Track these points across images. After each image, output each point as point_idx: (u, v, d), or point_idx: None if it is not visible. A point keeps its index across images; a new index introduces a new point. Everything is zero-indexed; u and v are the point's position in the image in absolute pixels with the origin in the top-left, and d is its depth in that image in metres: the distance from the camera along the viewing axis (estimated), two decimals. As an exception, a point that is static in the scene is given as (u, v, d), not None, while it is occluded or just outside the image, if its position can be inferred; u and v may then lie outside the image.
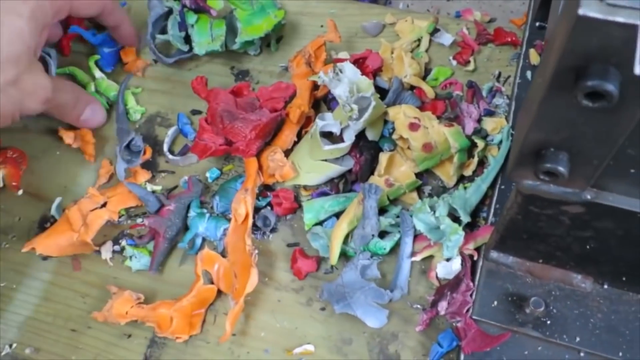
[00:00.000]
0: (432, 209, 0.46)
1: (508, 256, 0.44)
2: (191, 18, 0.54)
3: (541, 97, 0.27)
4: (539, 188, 0.33)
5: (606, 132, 0.27)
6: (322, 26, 0.59)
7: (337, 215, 0.49)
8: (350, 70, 0.49)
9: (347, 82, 0.47)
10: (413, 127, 0.47)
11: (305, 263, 0.47)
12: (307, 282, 0.48)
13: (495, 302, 0.43)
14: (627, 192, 0.33)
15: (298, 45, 0.58)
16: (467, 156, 0.49)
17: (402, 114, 0.48)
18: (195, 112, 0.56)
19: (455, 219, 0.46)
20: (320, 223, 0.49)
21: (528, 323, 0.42)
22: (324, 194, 0.50)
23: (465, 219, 0.45)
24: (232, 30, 0.56)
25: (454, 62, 0.56)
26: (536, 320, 0.42)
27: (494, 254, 0.44)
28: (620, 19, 0.21)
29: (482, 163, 0.50)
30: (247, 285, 0.44)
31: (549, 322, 0.42)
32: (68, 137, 0.54)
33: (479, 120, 0.51)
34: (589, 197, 0.33)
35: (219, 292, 0.47)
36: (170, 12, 0.56)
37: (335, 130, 0.48)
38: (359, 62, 0.52)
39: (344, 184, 0.51)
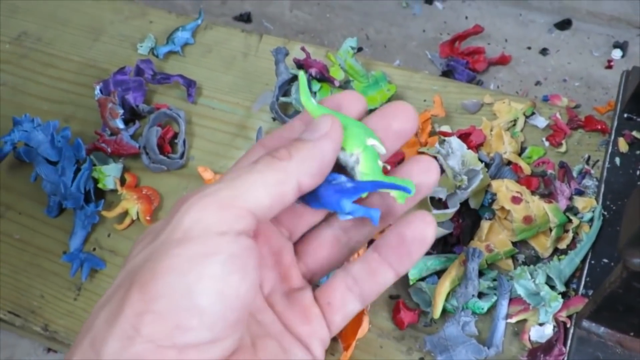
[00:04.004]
0: (531, 275, 0.50)
1: (600, 326, 0.48)
2: (315, 86, 0.61)
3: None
4: (649, 267, 0.38)
5: None
6: (424, 100, 0.66)
7: (437, 273, 0.54)
8: (457, 144, 0.55)
9: (459, 155, 0.52)
10: (515, 200, 0.52)
11: (407, 315, 0.52)
12: (407, 332, 0.52)
13: (587, 368, 0.47)
14: None
15: (402, 116, 0.65)
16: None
17: (504, 187, 0.53)
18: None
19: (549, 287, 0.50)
20: (422, 279, 0.54)
21: (618, 390, 0.46)
22: (426, 253, 0.55)
23: (560, 288, 0.50)
24: (346, 98, 0.63)
25: (547, 143, 0.61)
26: (626, 389, 0.46)
27: (586, 323, 0.48)
28: None
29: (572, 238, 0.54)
30: (359, 330, 0.49)
31: (637, 391, 0.46)
32: (208, 173, 0.60)
33: (570, 199, 0.56)
34: (693, 279, 0.37)
35: (326, 334, 0.52)
36: (294, 78, 0.63)
37: (442, 196, 0.54)
38: (462, 137, 0.58)
39: (442, 245, 0.56)
